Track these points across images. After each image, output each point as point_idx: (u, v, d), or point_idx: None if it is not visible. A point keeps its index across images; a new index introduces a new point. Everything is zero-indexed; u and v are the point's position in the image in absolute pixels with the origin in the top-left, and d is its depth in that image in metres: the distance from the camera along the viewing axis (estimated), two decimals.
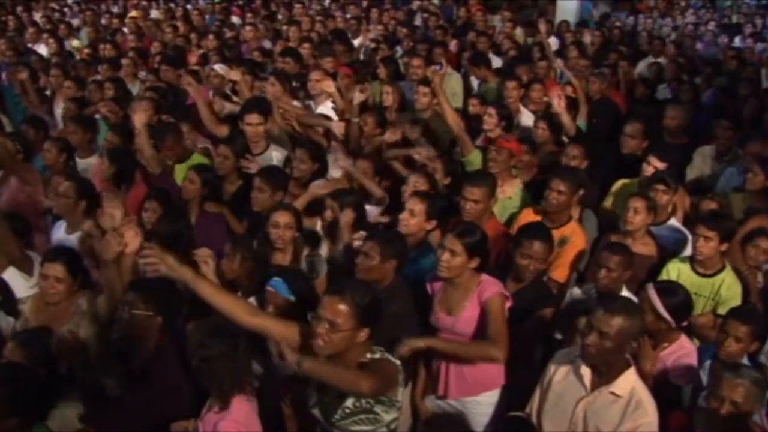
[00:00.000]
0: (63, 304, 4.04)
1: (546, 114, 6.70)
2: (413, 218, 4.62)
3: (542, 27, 10.39)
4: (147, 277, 3.53)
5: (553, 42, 12.25)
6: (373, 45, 10.58)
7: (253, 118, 6.19)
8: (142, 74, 9.12)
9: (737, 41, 13.56)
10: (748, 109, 7.74)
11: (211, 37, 10.27)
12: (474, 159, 5.96)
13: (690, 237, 5.21)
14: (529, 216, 5.21)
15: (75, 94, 7.80)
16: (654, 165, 5.66)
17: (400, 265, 4.11)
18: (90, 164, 6.41)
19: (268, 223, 4.54)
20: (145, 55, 9.94)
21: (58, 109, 7.81)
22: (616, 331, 3.28)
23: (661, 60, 10.93)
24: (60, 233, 5.19)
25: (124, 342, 3.64)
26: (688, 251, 5.10)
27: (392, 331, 3.61)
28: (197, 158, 6.18)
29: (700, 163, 6.77)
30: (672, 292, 4.06)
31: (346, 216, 4.76)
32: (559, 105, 6.41)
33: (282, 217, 4.53)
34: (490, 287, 3.93)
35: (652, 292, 4.02)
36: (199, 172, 5.39)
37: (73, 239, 5.02)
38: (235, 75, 7.33)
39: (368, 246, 4.07)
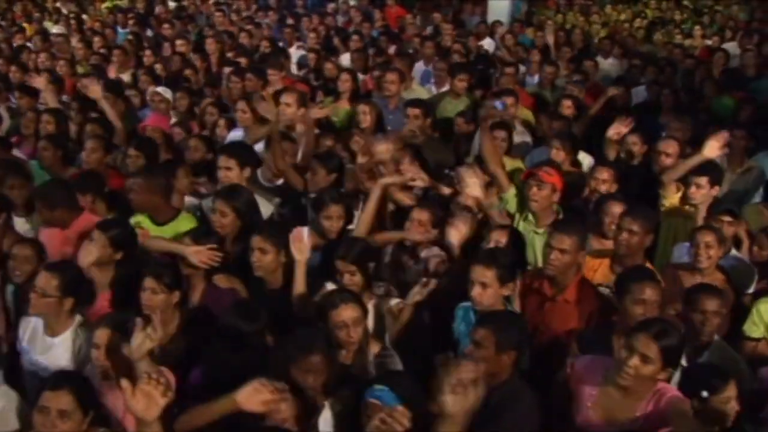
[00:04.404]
0: None
1: (561, 133, 6.05)
2: (486, 290, 3.82)
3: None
4: None
5: (489, 44, 11.84)
6: (311, 54, 9.77)
7: (229, 162, 5.15)
8: (64, 98, 7.94)
9: None
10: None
11: (148, 52, 9.12)
12: (509, 198, 5.12)
13: (755, 270, 4.73)
14: (590, 262, 4.47)
15: None
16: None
17: (519, 357, 3.34)
18: (32, 225, 5.12)
19: (328, 321, 3.58)
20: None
21: None
22: None
23: (611, 60, 10.65)
24: (35, 333, 4.01)
25: None
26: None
27: None
28: (186, 219, 4.90)
29: None
30: None
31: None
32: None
33: (349, 313, 3.57)
34: (670, 391, 3.19)
35: None
36: (195, 239, 4.29)
37: (57, 342, 3.90)
38: None
39: (481, 334, 3.28)
